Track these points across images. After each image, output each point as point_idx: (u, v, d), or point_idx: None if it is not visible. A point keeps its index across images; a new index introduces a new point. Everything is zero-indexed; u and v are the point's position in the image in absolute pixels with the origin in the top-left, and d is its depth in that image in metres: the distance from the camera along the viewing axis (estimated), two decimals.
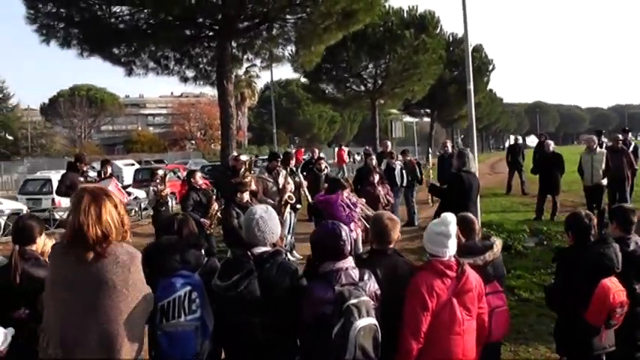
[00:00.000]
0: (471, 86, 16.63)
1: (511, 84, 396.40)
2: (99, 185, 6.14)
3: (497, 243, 5.98)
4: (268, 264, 4.65)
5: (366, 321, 4.36)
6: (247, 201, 11.24)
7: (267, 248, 4.79)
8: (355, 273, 4.66)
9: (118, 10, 19.52)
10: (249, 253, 4.73)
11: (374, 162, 16.42)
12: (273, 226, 4.90)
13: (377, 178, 13.02)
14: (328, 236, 4.74)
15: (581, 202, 19.51)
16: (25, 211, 19.17)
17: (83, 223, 3.81)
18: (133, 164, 43.76)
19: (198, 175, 12.74)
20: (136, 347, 3.98)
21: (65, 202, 16.21)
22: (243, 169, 13.10)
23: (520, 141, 29.71)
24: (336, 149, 48.05)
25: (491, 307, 5.48)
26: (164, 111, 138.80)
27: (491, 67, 65.91)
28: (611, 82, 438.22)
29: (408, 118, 76.96)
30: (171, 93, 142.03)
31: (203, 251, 5.59)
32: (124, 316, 3.88)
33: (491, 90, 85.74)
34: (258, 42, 20.98)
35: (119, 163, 39.65)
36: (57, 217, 19.55)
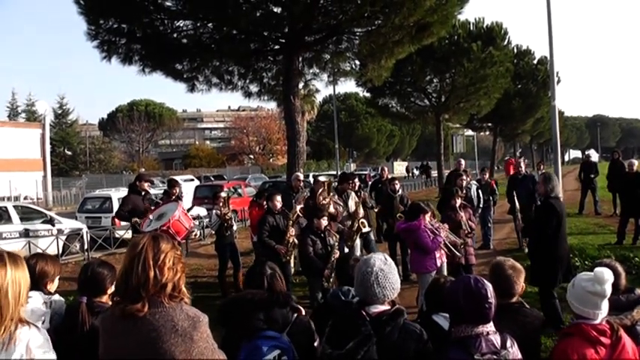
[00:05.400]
0: (555, 103, 15.59)
1: (571, 97, 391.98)
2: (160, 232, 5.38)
3: None
4: (389, 327, 3.84)
5: None
6: (326, 227, 10.41)
7: (386, 307, 3.99)
8: (497, 339, 3.81)
9: (181, 25, 19.02)
10: (364, 313, 3.92)
11: (464, 183, 15.48)
12: (395, 280, 4.08)
13: (459, 201, 12.05)
14: (471, 296, 3.85)
15: None
16: (84, 231, 18.84)
17: (133, 271, 3.22)
18: (193, 180, 43.72)
19: (278, 198, 11.86)
20: None
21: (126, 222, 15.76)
22: (320, 192, 12.25)
23: (592, 158, 28.45)
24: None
25: None
26: (221, 125, 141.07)
27: (556, 81, 64.72)
28: None
29: (468, 132, 75.99)
30: (229, 107, 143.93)
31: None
32: None
33: None
34: (325, 56, 20.32)
35: (178, 178, 39.67)
36: (117, 236, 19.12)
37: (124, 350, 3.18)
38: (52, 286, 4.93)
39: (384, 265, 4.04)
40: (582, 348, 4.02)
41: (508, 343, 3.83)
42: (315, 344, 4.54)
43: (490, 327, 3.84)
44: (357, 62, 21.24)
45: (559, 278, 9.22)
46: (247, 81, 21.70)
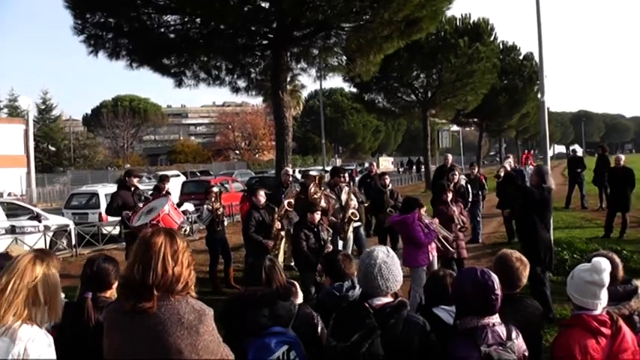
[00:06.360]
0: (545, 98, 15.49)
1: (556, 93, 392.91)
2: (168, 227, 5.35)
3: None
4: (393, 319, 3.84)
5: None
6: (319, 221, 10.41)
7: (389, 299, 3.99)
8: (502, 330, 3.84)
9: (168, 20, 18.89)
10: (367, 306, 3.93)
11: (456, 178, 15.42)
12: (397, 272, 4.08)
13: (450, 196, 12.06)
14: (477, 288, 3.87)
15: None
16: (71, 227, 18.68)
17: (151, 269, 3.16)
18: (179, 175, 43.44)
19: (261, 193, 11.85)
20: None
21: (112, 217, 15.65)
22: (312, 186, 12.23)
23: (579, 153, 28.67)
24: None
25: None
26: (206, 120, 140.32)
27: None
28: None
29: (454, 127, 76.22)
30: (213, 102, 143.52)
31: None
32: None
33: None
34: (313, 51, 20.29)
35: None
36: (105, 232, 18.97)
37: (129, 345, 3.17)
38: None
39: (387, 258, 4.04)
40: (583, 339, 4.06)
41: (513, 334, 3.87)
42: (319, 329, 4.56)
43: (496, 318, 3.87)
44: (345, 57, 21.17)
45: (544, 262, 9.40)
46: (235, 76, 21.63)
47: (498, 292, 3.85)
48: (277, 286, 4.53)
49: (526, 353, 3.94)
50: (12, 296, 3.31)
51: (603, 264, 4.20)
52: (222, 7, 16.76)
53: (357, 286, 5.11)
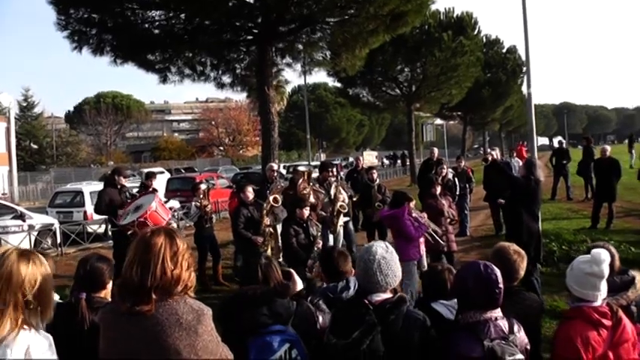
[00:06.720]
0: (531, 90, 15.47)
1: (539, 85, 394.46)
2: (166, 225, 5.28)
3: (639, 278, 5.25)
4: (393, 315, 3.79)
5: None
6: (308, 217, 10.37)
7: (389, 295, 3.95)
8: (504, 324, 3.83)
9: (153, 15, 18.77)
10: (367, 302, 3.88)
11: (444, 171, 15.41)
12: (396, 268, 4.03)
13: (439, 189, 12.04)
14: (480, 282, 3.86)
15: (632, 209, 19.08)
16: (56, 226, 18.50)
17: (150, 272, 3.08)
18: (163, 172, 43.20)
19: (249, 189, 11.82)
20: None
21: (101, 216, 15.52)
22: (300, 182, 12.19)
23: (564, 145, 28.74)
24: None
25: None
26: (190, 117, 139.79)
27: (525, 69, 65.60)
28: (637, 83, 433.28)
29: (437, 121, 76.39)
30: (197, 99, 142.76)
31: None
32: None
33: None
34: (298, 46, 20.26)
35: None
36: (90, 230, 18.83)
37: (126, 346, 3.11)
38: None
39: (386, 253, 4.00)
40: (585, 330, 4.06)
41: (515, 328, 3.85)
42: (320, 320, 4.52)
43: (498, 312, 3.86)
44: (330, 52, 21.11)
45: (529, 252, 9.44)
46: (220, 72, 21.52)
47: (501, 285, 3.85)
48: (275, 284, 4.49)
49: (528, 347, 3.93)
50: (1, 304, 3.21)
51: (603, 255, 4.20)
52: (206, 2, 16.64)
53: (352, 287, 5.08)
